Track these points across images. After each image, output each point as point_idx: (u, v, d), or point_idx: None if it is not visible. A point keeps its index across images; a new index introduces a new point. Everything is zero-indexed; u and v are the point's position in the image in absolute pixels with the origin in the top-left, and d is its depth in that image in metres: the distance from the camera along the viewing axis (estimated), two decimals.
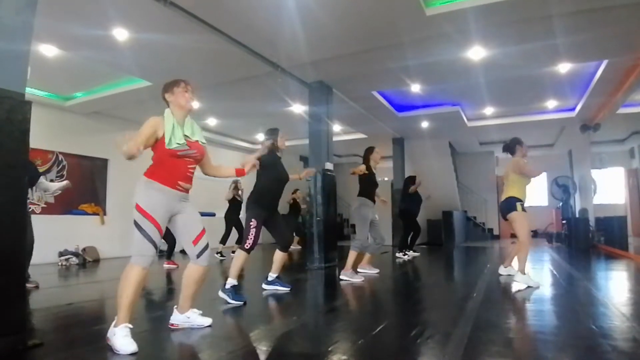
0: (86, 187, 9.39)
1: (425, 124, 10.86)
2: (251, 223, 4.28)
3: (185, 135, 2.88)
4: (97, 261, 8.74)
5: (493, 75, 7.32)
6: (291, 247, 11.19)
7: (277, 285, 4.67)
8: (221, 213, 9.45)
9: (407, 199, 9.02)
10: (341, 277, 5.48)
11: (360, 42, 5.81)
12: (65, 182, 5.63)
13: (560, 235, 12.11)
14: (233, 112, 9.59)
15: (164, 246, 10.43)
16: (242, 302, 3.96)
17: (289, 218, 11.27)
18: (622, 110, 9.69)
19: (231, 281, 4.12)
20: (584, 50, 6.28)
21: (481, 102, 9.58)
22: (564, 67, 7.20)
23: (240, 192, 9.21)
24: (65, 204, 8.83)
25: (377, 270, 5.99)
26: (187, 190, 2.94)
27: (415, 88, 8.17)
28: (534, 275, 5.18)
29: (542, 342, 2.68)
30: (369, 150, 5.91)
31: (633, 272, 6.02)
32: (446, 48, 6.08)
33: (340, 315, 3.73)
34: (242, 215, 9.36)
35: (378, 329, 3.01)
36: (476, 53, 6.26)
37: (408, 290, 5.15)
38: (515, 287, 4.78)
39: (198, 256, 2.97)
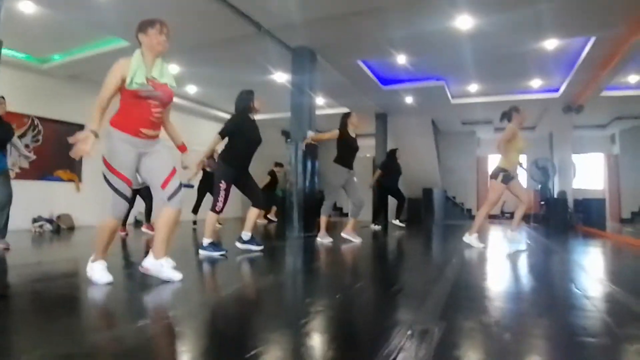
0: (62, 153, 9.05)
1: (409, 99, 10.76)
2: (221, 184, 4.35)
3: (152, 77, 2.76)
4: (71, 229, 8.51)
5: (480, 48, 7.23)
6: (268, 216, 11.16)
7: (252, 244, 4.62)
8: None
9: (388, 174, 9.12)
10: (317, 239, 5.79)
11: (346, 2, 5.64)
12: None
13: (538, 216, 12.25)
14: (213, 79, 9.31)
15: (140, 216, 10.29)
16: (224, 252, 4.18)
17: (266, 190, 11.13)
18: (606, 93, 9.75)
19: (207, 240, 4.25)
20: (571, 24, 6.24)
21: (466, 77, 9.51)
22: (550, 44, 7.15)
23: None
24: (40, 170, 8.54)
25: (359, 239, 5.93)
26: (153, 137, 2.81)
27: (401, 59, 8.03)
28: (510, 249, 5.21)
29: (523, 301, 2.65)
30: (346, 115, 5.85)
31: (610, 248, 6.09)
32: (434, 15, 5.96)
33: (318, 275, 3.66)
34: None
35: (356, 286, 2.95)
36: (464, 22, 6.15)
37: (387, 256, 5.12)
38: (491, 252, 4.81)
39: (169, 199, 2.83)
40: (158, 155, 2.84)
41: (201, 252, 4.23)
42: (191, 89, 10.33)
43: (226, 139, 4.47)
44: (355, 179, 5.92)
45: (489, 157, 16.46)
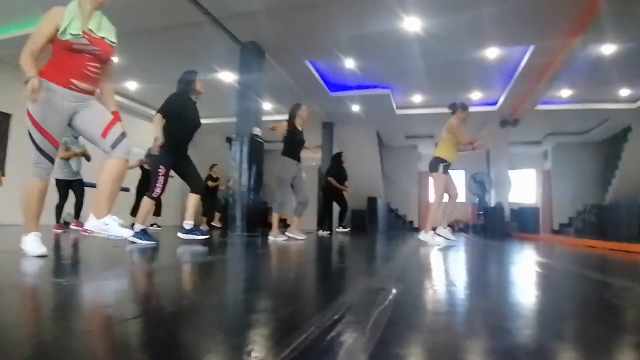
0: None
1: (355, 108, 10.85)
2: (159, 170, 4.09)
3: (89, 29, 2.50)
4: None
5: (425, 53, 7.39)
6: (212, 223, 10.70)
7: (195, 233, 4.31)
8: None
9: (333, 175, 8.99)
10: (269, 237, 5.49)
11: None
12: None
13: (477, 227, 12.64)
14: (155, 74, 8.88)
15: (69, 217, 9.58)
16: (153, 242, 3.77)
17: (208, 196, 10.67)
18: (541, 107, 10.31)
19: (138, 226, 3.95)
20: (512, 32, 6.53)
21: (411, 87, 9.74)
22: (492, 52, 7.44)
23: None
24: None
25: (304, 237, 5.74)
26: (86, 92, 2.53)
27: (349, 64, 8.08)
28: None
29: (478, 273, 2.59)
30: (296, 107, 5.71)
31: (542, 245, 6.31)
32: (382, 15, 6.02)
33: (269, 258, 3.43)
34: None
35: (312, 264, 2.77)
36: (411, 24, 6.27)
37: (338, 250, 4.95)
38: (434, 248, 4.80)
39: (113, 146, 2.54)
40: (94, 107, 2.57)
41: (130, 238, 3.91)
42: (132, 85, 9.86)
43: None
44: (303, 174, 5.77)
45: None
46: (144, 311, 1.31)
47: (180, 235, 4.31)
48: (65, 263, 2.57)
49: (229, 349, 0.90)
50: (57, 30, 2.40)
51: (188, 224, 4.30)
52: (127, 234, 2.62)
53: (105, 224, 2.58)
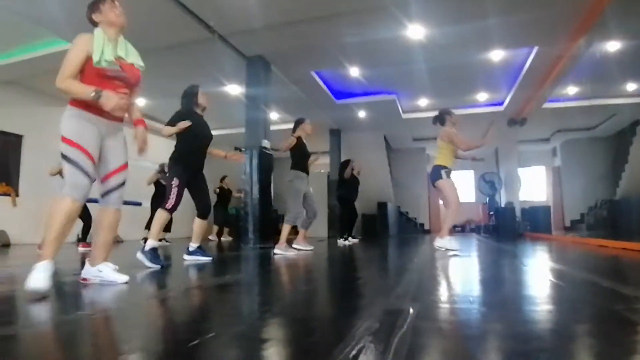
0: None
1: (362, 114, 10.89)
2: (173, 182, 4.07)
3: (119, 56, 2.55)
4: (6, 246, 7.87)
5: (430, 59, 7.42)
6: (222, 238, 10.71)
7: (198, 255, 4.36)
8: (148, 202, 8.84)
9: (343, 185, 8.91)
10: (275, 251, 5.33)
11: (300, 9, 5.65)
12: None
13: (488, 227, 12.60)
14: (163, 90, 8.96)
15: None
16: (159, 266, 3.69)
17: (216, 208, 10.69)
18: (548, 105, 10.28)
19: (151, 242, 3.84)
20: (515, 34, 6.53)
21: (416, 91, 9.76)
22: (496, 55, 7.45)
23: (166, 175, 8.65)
24: None
25: (311, 247, 5.78)
26: (119, 119, 2.62)
27: (354, 71, 8.13)
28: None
29: (492, 283, 2.61)
30: (299, 121, 5.76)
31: (554, 246, 6.29)
32: (386, 23, 6.06)
33: (280, 274, 3.47)
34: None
35: (326, 280, 2.81)
36: (415, 32, 6.30)
37: (352, 261, 4.99)
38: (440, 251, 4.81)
39: (104, 195, 2.61)
40: (115, 146, 2.61)
41: (139, 255, 3.81)
42: (140, 102, 9.97)
43: (174, 141, 4.21)
44: (310, 188, 5.79)
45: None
46: (163, 349, 1.36)
47: (184, 257, 4.38)
48: (67, 294, 2.53)
49: None
50: (87, 57, 2.43)
51: (192, 246, 4.37)
52: (122, 279, 2.59)
53: (99, 271, 2.60)
